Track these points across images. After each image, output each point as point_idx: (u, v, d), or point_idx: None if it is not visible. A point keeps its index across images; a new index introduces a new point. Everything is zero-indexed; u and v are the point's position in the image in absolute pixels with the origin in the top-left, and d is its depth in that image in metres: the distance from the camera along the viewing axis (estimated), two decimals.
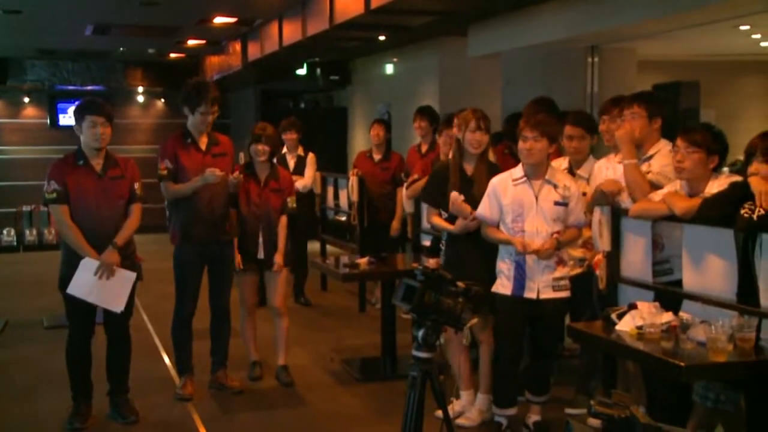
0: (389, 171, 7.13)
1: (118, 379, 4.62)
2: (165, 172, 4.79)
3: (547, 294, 4.08)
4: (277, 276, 5.18)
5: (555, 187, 4.09)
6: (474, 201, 4.25)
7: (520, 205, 4.08)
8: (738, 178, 3.41)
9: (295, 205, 5.33)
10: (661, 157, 3.84)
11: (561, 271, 4.12)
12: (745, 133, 3.54)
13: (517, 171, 4.16)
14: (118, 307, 4.41)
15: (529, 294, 4.08)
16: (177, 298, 4.95)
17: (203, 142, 4.88)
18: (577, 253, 4.46)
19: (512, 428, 4.29)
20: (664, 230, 3.69)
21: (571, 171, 4.50)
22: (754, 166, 3.24)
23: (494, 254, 4.22)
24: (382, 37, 8.78)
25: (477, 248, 4.28)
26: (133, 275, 4.46)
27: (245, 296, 5.21)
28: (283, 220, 5.17)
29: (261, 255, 5.09)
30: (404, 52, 9.99)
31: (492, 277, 4.19)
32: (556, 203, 4.07)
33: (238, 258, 5.07)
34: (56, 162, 4.46)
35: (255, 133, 5.14)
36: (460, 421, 4.34)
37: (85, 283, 4.30)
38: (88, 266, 4.31)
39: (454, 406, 4.42)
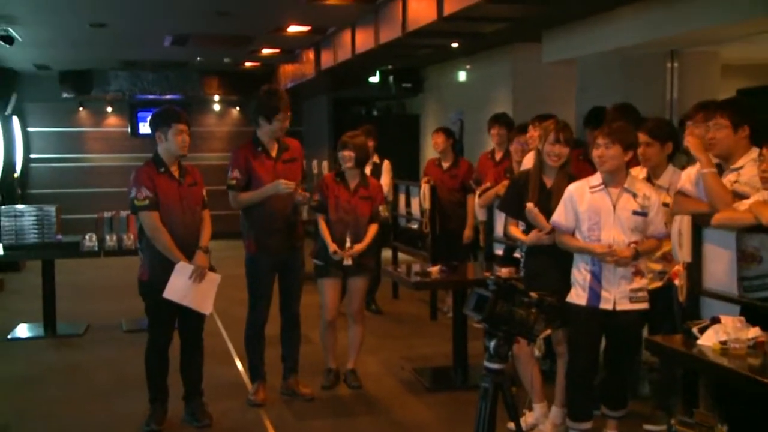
0: (458, 178, 7.09)
1: (193, 383, 4.70)
2: (234, 182, 4.83)
3: (624, 305, 3.96)
4: (358, 283, 5.22)
5: (634, 196, 3.97)
6: (551, 214, 4.16)
7: (597, 213, 3.97)
8: None
9: (387, 214, 5.39)
10: (752, 166, 3.67)
11: (639, 283, 3.99)
12: None
13: (595, 178, 4.05)
14: (208, 309, 4.56)
15: (605, 305, 3.97)
16: (250, 306, 4.99)
17: (274, 149, 4.92)
18: (657, 266, 4.31)
19: None
20: (762, 243, 3.51)
21: (650, 181, 4.36)
22: None
23: (571, 265, 4.12)
24: (454, 44, 8.73)
25: (555, 260, 4.19)
26: (218, 277, 4.59)
27: (327, 303, 5.22)
28: (374, 227, 5.22)
29: (348, 261, 5.10)
30: (477, 59, 9.92)
31: (569, 289, 4.09)
32: (635, 213, 3.95)
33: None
34: (142, 169, 4.52)
35: (342, 140, 5.23)
36: None
37: (181, 287, 4.41)
38: (183, 271, 4.41)
39: (527, 419, 4.34)
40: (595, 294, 3.99)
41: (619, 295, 3.96)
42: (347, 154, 5.15)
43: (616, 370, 4.17)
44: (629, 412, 4.27)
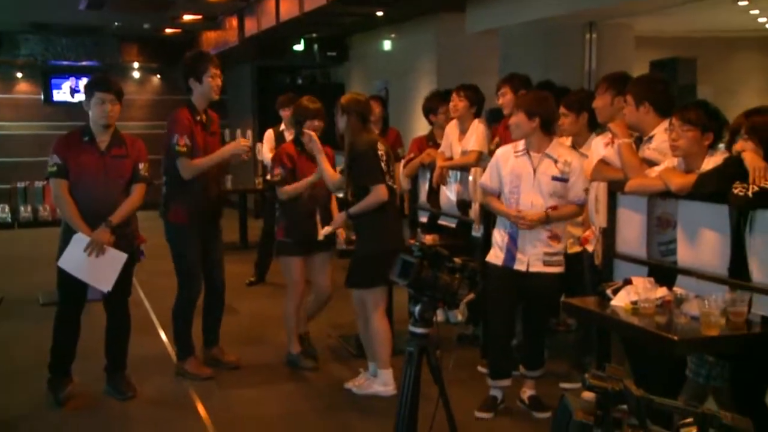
0: None
1: (116, 356, 4.62)
2: (185, 149, 4.58)
3: (537, 267, 4.10)
4: (327, 258, 5.09)
5: (555, 161, 4.08)
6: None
7: (518, 176, 4.09)
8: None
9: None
10: (662, 134, 3.83)
11: (555, 247, 4.12)
12: (742, 110, 3.50)
13: (521, 143, 4.16)
14: (106, 287, 4.35)
15: (519, 266, 4.11)
16: (185, 280, 4.79)
17: (203, 119, 4.77)
18: (577, 231, 4.46)
19: (507, 403, 4.33)
20: (675, 209, 3.67)
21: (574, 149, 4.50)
22: (740, 144, 3.23)
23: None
24: (380, 13, 8.71)
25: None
26: (123, 256, 4.35)
27: (294, 279, 5.00)
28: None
29: (321, 237, 4.82)
30: (402, 28, 9.92)
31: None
32: (554, 178, 4.07)
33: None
34: (62, 136, 4.43)
35: (311, 109, 4.87)
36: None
37: (75, 258, 4.27)
38: (79, 242, 4.27)
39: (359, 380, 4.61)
40: (510, 255, 4.12)
41: (534, 257, 4.09)
42: (318, 124, 4.89)
43: (532, 331, 4.32)
44: (546, 371, 4.43)
